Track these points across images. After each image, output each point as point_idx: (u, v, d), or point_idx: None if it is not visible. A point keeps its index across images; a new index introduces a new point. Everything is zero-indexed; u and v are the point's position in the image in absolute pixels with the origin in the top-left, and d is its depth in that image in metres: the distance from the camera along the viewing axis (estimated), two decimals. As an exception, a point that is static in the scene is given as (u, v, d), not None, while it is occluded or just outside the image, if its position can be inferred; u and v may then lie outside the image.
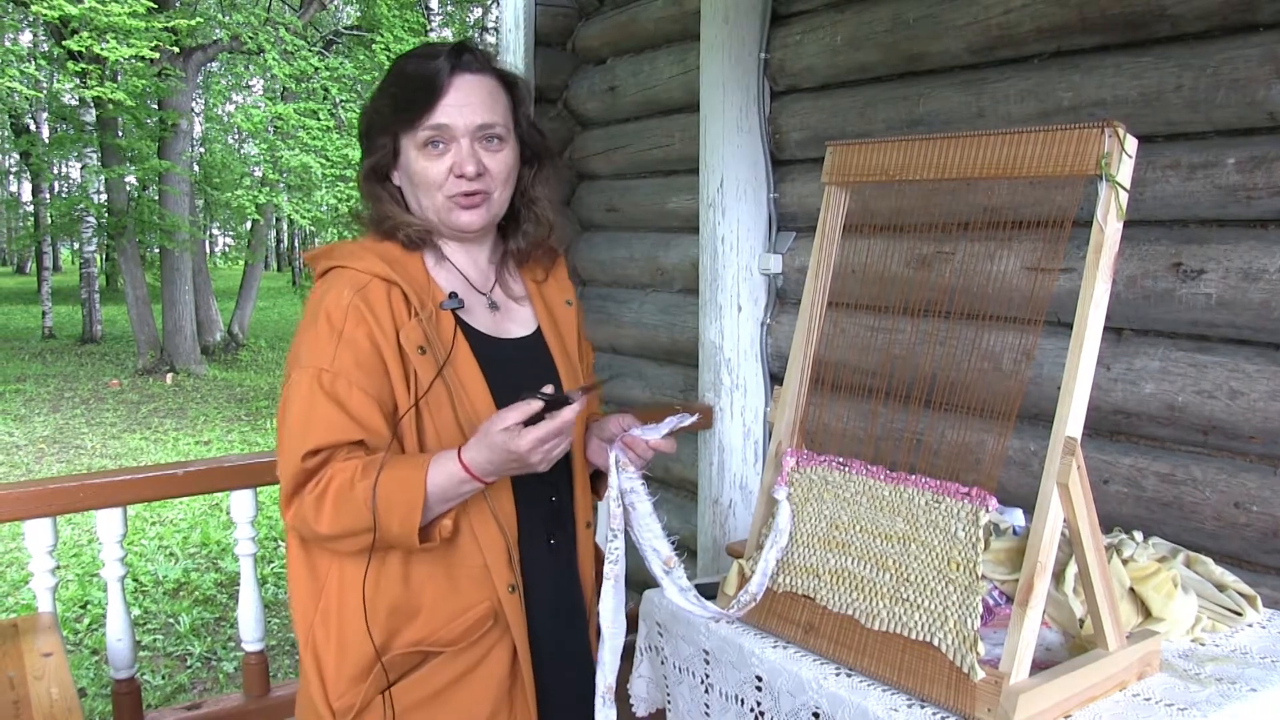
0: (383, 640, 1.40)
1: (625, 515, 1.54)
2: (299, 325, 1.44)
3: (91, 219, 13.63)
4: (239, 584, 2.55)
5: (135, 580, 5.51)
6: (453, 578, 1.42)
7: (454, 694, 1.42)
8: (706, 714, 1.66)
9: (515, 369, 1.49)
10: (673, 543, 1.57)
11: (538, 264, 1.63)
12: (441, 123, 1.43)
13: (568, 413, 1.32)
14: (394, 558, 1.40)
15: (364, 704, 1.40)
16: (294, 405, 1.36)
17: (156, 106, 12.80)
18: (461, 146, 1.44)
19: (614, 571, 1.54)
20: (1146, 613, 1.57)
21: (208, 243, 20.32)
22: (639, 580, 1.79)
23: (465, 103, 1.44)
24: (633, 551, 1.58)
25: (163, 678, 4.38)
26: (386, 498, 1.32)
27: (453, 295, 1.46)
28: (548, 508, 1.52)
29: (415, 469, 1.34)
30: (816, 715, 1.44)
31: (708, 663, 1.65)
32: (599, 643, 1.56)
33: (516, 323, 1.55)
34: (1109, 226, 1.30)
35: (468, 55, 1.46)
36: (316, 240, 19.71)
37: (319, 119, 12.33)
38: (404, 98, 1.45)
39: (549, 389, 1.33)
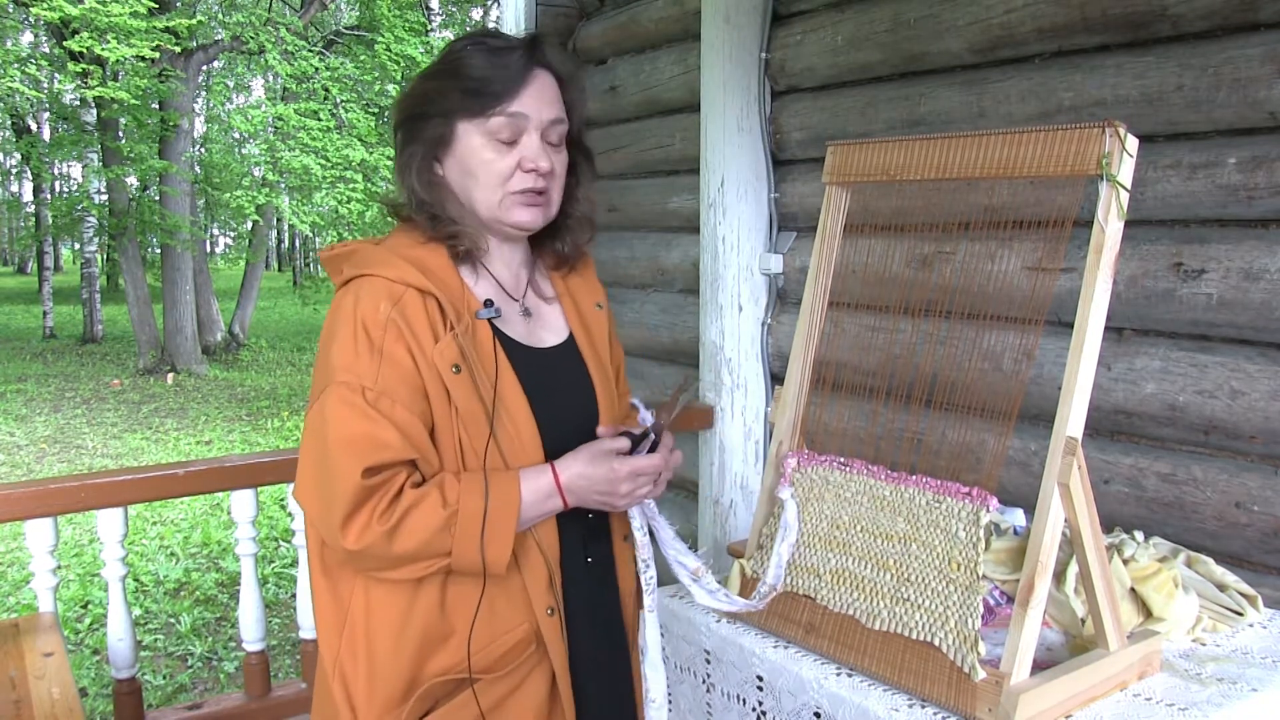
0: (416, 667, 1.33)
1: (652, 538, 1.50)
2: (325, 336, 1.34)
3: (92, 219, 13.64)
4: (240, 584, 2.56)
5: (136, 580, 5.51)
6: (489, 600, 1.34)
7: None
8: (709, 713, 1.66)
9: (553, 381, 1.43)
10: (700, 556, 1.54)
11: (566, 263, 1.58)
12: (519, 111, 1.37)
13: (660, 455, 1.37)
14: (432, 582, 1.32)
15: None
16: (336, 422, 1.26)
17: (157, 107, 12.80)
18: (532, 141, 1.38)
19: (652, 602, 1.49)
20: (1147, 613, 1.57)
21: (208, 243, 20.29)
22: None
23: (541, 96, 1.39)
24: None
25: (164, 677, 4.38)
26: (492, 524, 1.27)
27: (488, 304, 1.39)
28: (585, 525, 1.45)
29: (510, 488, 1.29)
30: (818, 715, 1.44)
31: (709, 662, 1.65)
32: (648, 675, 1.50)
33: (550, 330, 1.49)
34: (1110, 226, 1.30)
35: (548, 49, 1.42)
36: (318, 240, 19.70)
37: (319, 119, 12.32)
38: (477, 81, 1.37)
39: (648, 416, 1.35)
